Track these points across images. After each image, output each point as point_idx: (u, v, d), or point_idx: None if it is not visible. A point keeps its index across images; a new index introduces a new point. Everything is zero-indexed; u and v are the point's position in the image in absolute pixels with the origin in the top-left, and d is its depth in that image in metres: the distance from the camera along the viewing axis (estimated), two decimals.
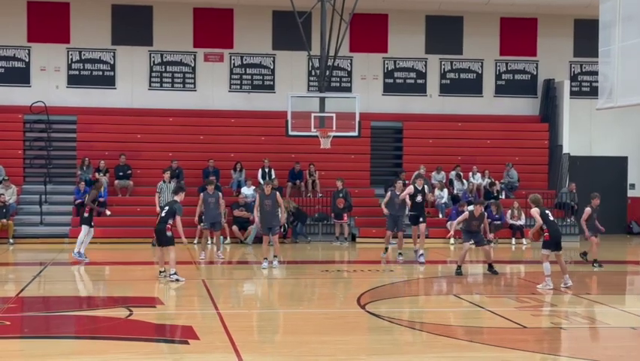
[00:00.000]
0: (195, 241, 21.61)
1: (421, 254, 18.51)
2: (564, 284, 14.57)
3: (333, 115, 21.16)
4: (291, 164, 25.60)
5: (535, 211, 14.57)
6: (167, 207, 15.34)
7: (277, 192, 17.70)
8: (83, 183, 23.57)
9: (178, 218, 15.09)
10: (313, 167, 25.50)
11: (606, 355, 9.75)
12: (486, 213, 17.53)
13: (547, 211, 14.67)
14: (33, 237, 22.70)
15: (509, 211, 24.67)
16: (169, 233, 15.07)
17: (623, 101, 14.90)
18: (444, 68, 28.24)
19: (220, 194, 19.36)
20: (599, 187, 26.98)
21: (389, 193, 19.49)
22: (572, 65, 28.70)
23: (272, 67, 27.41)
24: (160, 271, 15.41)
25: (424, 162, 26.02)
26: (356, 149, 25.90)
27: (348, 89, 27.27)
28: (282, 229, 23.26)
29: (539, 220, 14.41)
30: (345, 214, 23.80)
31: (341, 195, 23.83)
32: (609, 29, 15.03)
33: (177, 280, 14.85)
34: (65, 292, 14.72)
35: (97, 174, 24.12)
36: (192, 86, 27.05)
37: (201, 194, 19.49)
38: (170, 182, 22.16)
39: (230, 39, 27.09)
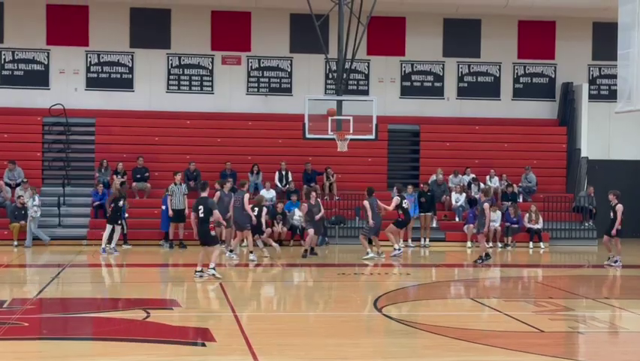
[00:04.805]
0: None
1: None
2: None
3: (350, 118, 21.13)
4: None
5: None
6: (201, 207, 15.40)
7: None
8: (101, 185, 23.69)
9: (216, 212, 15.53)
10: (331, 170, 25.48)
11: (625, 360, 9.69)
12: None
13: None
14: (51, 239, 22.80)
15: (527, 215, 24.55)
16: (213, 233, 15.82)
17: None
18: (461, 71, 28.17)
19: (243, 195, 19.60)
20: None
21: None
22: (591, 68, 28.55)
23: (289, 70, 27.43)
24: (196, 271, 15.52)
25: (442, 165, 25.96)
26: (373, 152, 25.88)
27: (366, 92, 27.24)
28: (298, 232, 23.32)
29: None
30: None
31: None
32: (628, 32, 14.96)
33: (214, 275, 15.32)
34: (83, 293, 14.80)
35: (115, 176, 24.23)
36: (210, 88, 27.11)
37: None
38: (181, 184, 22.26)
39: (247, 42, 27.14)
